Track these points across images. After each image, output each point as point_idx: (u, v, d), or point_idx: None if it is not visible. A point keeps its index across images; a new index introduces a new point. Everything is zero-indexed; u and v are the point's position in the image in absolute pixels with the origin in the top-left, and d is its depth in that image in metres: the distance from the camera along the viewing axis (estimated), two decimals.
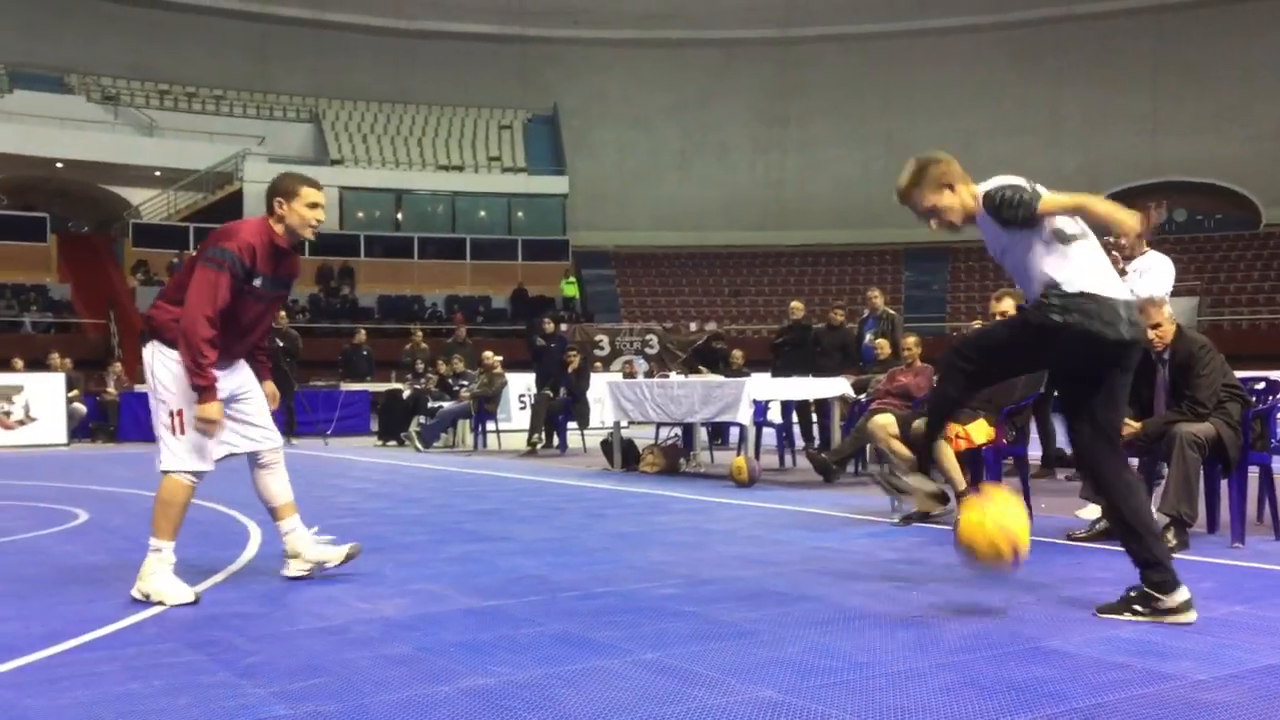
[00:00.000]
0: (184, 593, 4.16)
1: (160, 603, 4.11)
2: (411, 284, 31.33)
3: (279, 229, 4.34)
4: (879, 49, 37.17)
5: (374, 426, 16.40)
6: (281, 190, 4.34)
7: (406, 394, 15.50)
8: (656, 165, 37.37)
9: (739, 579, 4.53)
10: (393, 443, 15.01)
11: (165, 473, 4.26)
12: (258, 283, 4.29)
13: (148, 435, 14.97)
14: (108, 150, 30.11)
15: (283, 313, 16.70)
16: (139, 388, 16.19)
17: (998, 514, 3.74)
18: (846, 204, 36.34)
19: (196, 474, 4.28)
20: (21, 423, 14.52)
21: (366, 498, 8.22)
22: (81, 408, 15.46)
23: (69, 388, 15.16)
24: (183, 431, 4.22)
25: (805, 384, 9.98)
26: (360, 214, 33.56)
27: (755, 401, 9.08)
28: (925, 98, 36.78)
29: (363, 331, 19.91)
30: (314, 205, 4.36)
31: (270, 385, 4.79)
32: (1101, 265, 3.76)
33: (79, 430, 15.16)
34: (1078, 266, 3.70)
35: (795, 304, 12.95)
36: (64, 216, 30.76)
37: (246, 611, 4.03)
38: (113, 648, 3.48)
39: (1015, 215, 3.68)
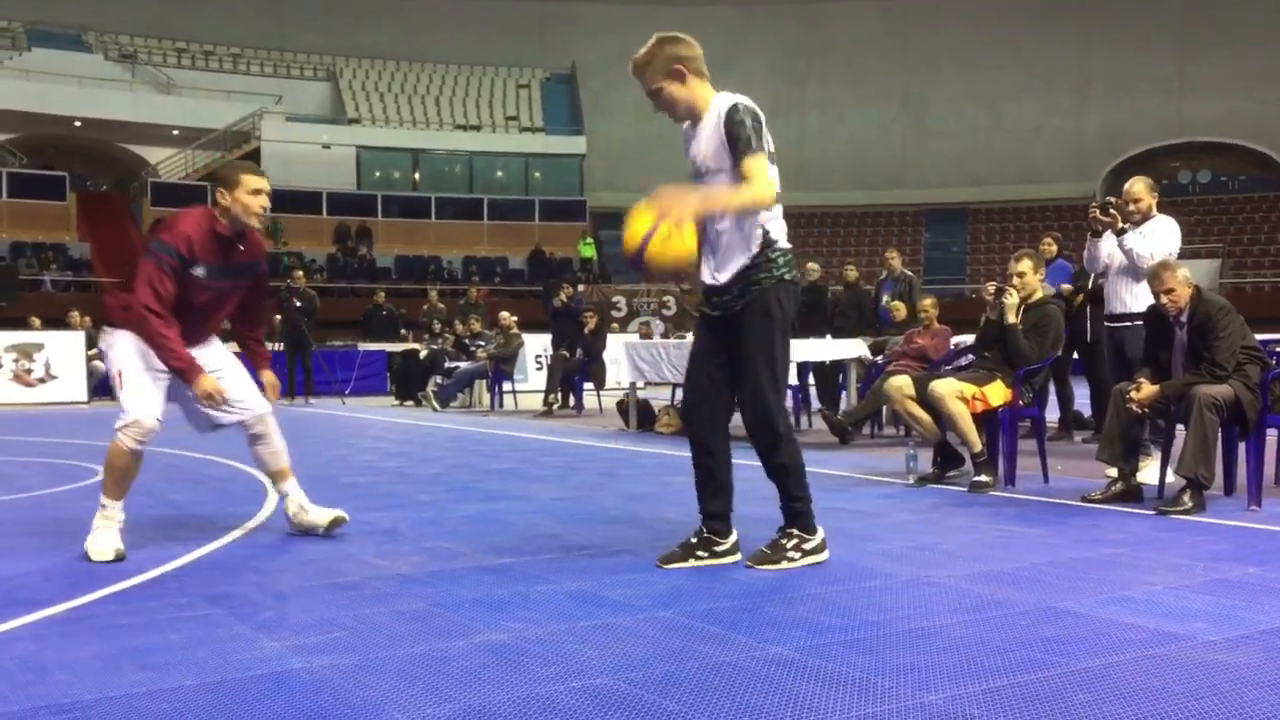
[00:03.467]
0: (106, 550, 4.22)
1: (87, 557, 4.21)
2: (429, 244, 31.33)
3: (223, 219, 4.34)
4: (901, 7, 36.74)
5: (391, 386, 16.48)
6: (222, 180, 4.37)
7: (423, 354, 15.55)
8: (675, 126, 36.87)
9: (753, 538, 4.53)
10: (410, 402, 15.09)
11: (115, 435, 4.34)
12: (199, 272, 4.31)
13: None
14: (125, 109, 30.13)
15: (300, 272, 16.78)
16: None
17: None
18: (866, 164, 36.10)
19: (140, 440, 4.30)
20: (42, 380, 14.66)
21: (384, 456, 8.27)
22: (101, 366, 15.55)
23: (89, 346, 15.26)
24: (123, 388, 4.33)
25: (821, 345, 9.96)
26: (377, 174, 33.53)
27: None
28: (947, 57, 36.38)
29: (381, 292, 20.03)
30: (256, 192, 4.35)
31: (270, 375, 4.92)
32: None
33: (99, 388, 15.28)
34: (779, 219, 3.89)
35: (810, 265, 12.88)
36: (83, 175, 30.85)
37: (263, 567, 4.07)
38: (131, 601, 3.53)
39: (740, 148, 3.72)
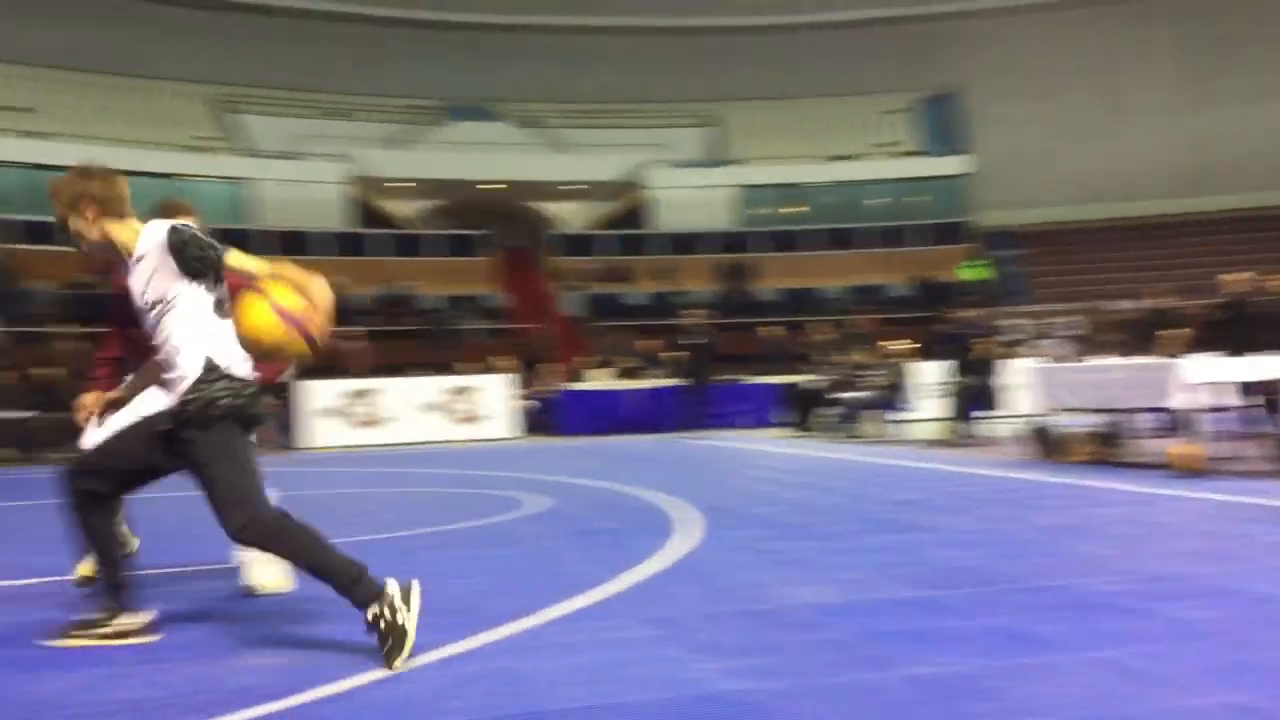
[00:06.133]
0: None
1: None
2: (811, 276, 31.61)
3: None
4: None
5: (781, 418, 16.77)
6: None
7: (811, 385, 15.71)
8: (1066, 135, 35.13)
9: (1193, 575, 4.21)
10: (801, 433, 15.27)
11: None
12: None
13: (587, 429, 16.12)
14: (530, 169, 32.96)
15: (699, 311, 17.57)
16: (575, 385, 17.68)
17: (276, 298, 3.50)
18: None
19: None
20: (478, 419, 16.34)
21: (783, 487, 8.44)
22: (527, 404, 17.19)
23: (513, 387, 16.82)
24: None
25: (1251, 363, 9.00)
26: (758, 210, 34.34)
27: (1194, 384, 8.32)
28: None
29: (772, 327, 20.58)
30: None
31: None
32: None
33: (525, 425, 16.81)
34: (231, 342, 3.57)
35: (1232, 276, 11.75)
36: (498, 233, 34.01)
37: (688, 593, 4.29)
38: (579, 622, 3.85)
39: (203, 259, 3.50)
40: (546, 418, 17.33)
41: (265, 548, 3.63)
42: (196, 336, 3.56)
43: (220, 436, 3.53)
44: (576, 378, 18.54)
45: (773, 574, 4.62)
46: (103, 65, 30.33)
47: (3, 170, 26.81)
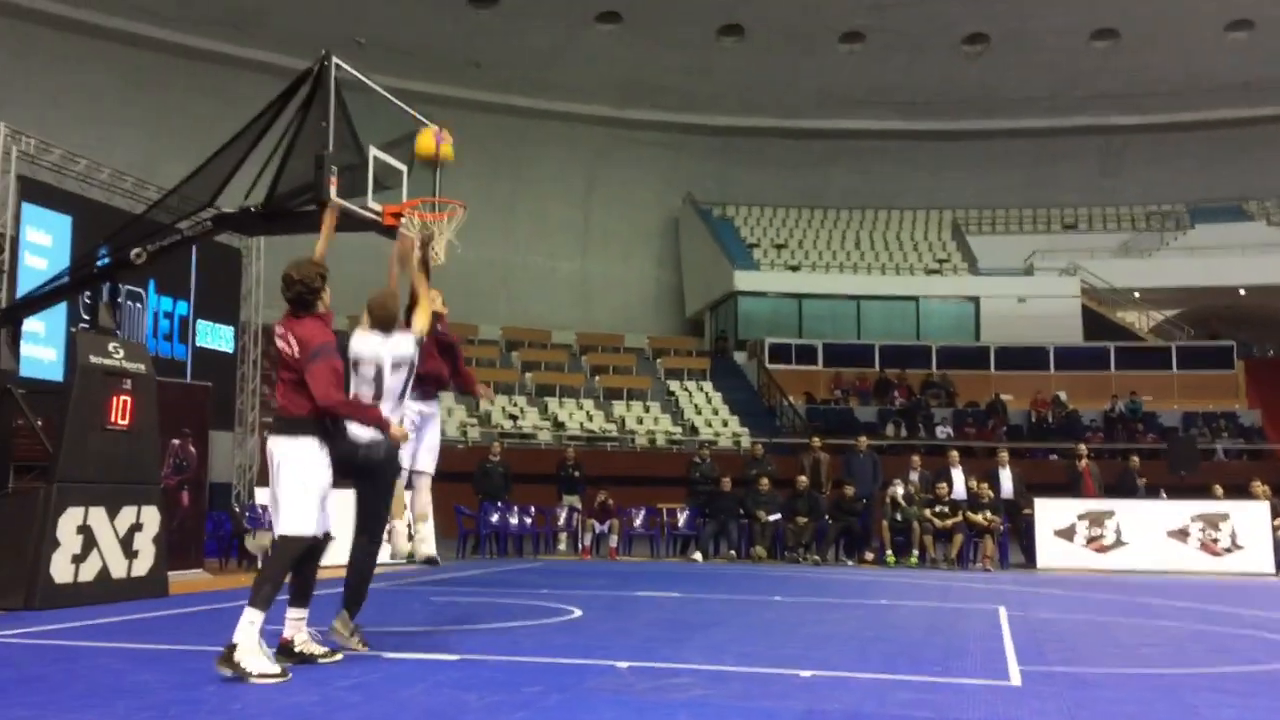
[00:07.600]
0: None
1: None
2: None
3: None
4: None
5: None
6: None
7: None
8: None
9: None
10: None
11: None
12: None
13: None
14: None
15: None
16: None
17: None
18: None
19: None
20: (1229, 550, 14.81)
21: None
22: None
23: (1273, 515, 14.98)
24: None
25: None
26: None
27: None
28: None
29: None
30: None
31: None
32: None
33: None
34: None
35: None
36: (1248, 342, 30.86)
37: None
38: None
39: None
40: None
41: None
42: None
43: None
44: None
45: None
46: (852, 201, 33.60)
47: (766, 299, 30.73)
